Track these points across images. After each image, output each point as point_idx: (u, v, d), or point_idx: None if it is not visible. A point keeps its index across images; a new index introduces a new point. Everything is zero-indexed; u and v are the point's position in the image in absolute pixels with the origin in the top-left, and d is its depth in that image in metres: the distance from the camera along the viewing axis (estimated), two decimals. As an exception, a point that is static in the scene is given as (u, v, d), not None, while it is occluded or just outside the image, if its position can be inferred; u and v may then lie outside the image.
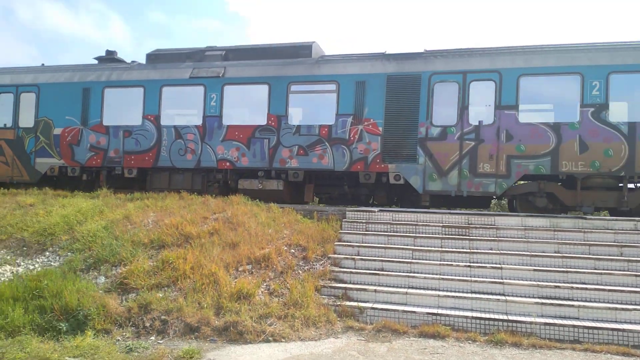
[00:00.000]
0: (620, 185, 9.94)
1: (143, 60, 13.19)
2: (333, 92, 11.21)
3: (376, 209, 9.44)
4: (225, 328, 6.38)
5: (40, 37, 65.28)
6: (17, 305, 6.85)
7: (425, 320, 6.67)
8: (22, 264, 8.05)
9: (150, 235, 8.36)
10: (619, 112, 9.85)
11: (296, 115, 11.73)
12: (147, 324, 6.64)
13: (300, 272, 7.65)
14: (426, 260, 7.90)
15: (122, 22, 69.84)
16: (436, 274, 7.55)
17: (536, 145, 10.01)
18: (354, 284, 7.53)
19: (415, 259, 7.95)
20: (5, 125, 13.21)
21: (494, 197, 10.97)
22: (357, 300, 7.15)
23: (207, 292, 6.94)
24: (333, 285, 7.45)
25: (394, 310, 6.83)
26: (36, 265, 7.96)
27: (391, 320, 6.71)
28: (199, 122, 11.90)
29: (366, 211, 9.33)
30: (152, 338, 6.42)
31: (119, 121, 12.37)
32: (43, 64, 13.85)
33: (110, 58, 13.63)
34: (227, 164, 11.67)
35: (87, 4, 70.40)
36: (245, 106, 12.23)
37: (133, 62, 13.37)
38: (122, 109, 12.43)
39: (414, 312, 6.77)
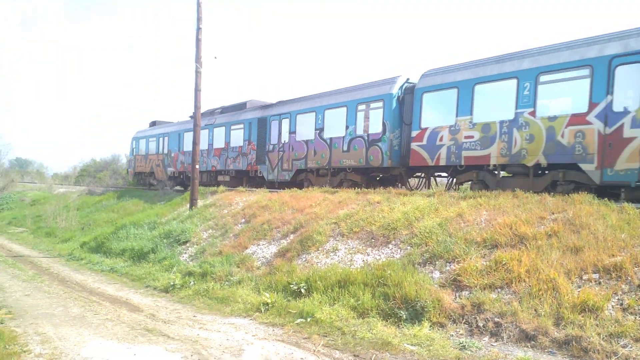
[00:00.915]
0: None
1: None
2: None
3: None
4: (566, 342, 5.59)
5: None
6: (367, 290, 7.78)
7: None
8: (370, 254, 9.13)
9: (483, 234, 8.16)
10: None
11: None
12: (480, 324, 6.46)
13: (671, 288, 6.02)
14: None
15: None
16: None
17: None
18: None
19: None
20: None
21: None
22: None
23: (544, 299, 6.26)
24: None
25: None
26: (381, 256, 8.87)
27: None
28: None
29: None
30: (485, 339, 6.20)
31: None
32: None
33: None
34: None
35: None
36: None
37: None
38: None
39: None
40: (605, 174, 9.54)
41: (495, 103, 11.54)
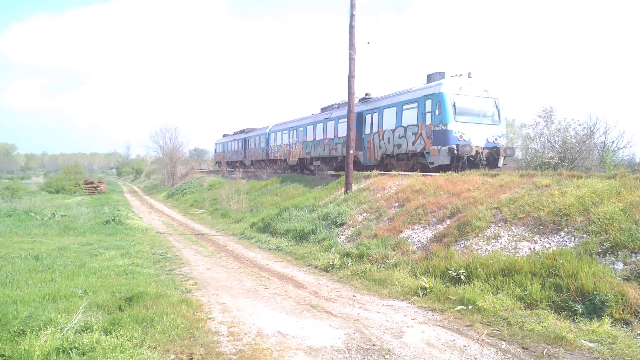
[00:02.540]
0: None
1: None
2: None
3: None
4: None
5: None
6: (535, 280, 7.23)
7: None
8: (538, 241, 8.43)
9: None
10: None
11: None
12: (678, 326, 5.58)
13: None
14: None
15: None
16: None
17: None
18: None
19: None
20: None
21: None
22: None
23: None
24: None
25: None
26: (551, 244, 8.14)
27: None
28: None
29: None
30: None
31: None
32: None
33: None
34: None
35: None
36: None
37: None
38: None
39: None
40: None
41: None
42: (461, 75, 16.66)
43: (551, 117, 20.88)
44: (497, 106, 16.54)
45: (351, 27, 15.60)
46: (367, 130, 20.29)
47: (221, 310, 7.50)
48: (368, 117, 20.32)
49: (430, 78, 17.40)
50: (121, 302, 7.10)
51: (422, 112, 16.62)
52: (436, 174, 14.69)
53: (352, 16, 15.57)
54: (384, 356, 5.54)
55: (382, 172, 17.79)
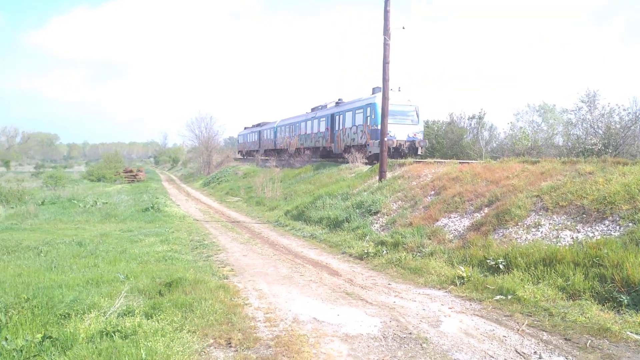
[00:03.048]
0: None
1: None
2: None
3: None
4: None
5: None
6: (578, 270, 7.01)
7: None
8: (581, 230, 8.16)
9: None
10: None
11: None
12: None
13: None
14: None
15: None
16: None
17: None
18: None
19: None
20: None
21: None
22: None
23: None
24: None
25: None
26: (595, 233, 7.87)
27: None
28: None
29: None
30: None
31: None
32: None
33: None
34: None
35: None
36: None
37: None
38: None
39: None
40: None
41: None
42: (392, 89, 19.63)
43: (594, 101, 20.05)
44: (416, 111, 22.33)
45: (386, 11, 15.35)
46: (337, 128, 26.41)
47: (257, 296, 7.60)
48: (337, 117, 26.43)
49: (373, 90, 23.13)
50: (161, 287, 7.28)
51: (366, 115, 22.75)
52: (473, 161, 14.42)
53: (386, 0, 15.31)
54: (421, 345, 5.49)
55: (417, 160, 17.59)
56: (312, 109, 31.60)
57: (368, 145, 22.17)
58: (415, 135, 22.04)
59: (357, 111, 23.82)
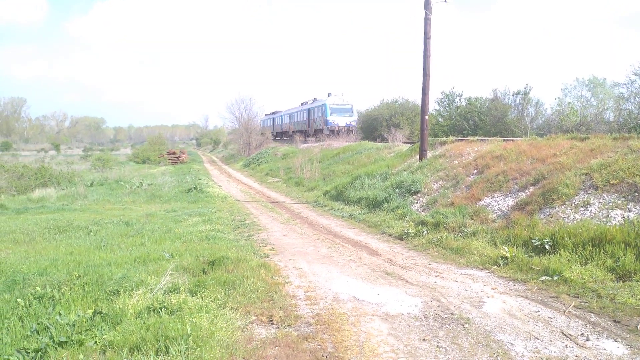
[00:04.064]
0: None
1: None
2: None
3: None
4: None
5: None
6: (629, 251, 6.73)
7: None
8: (633, 209, 7.79)
9: None
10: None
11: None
12: None
13: None
14: None
15: None
16: None
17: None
18: None
19: None
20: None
21: None
22: None
23: None
24: None
25: None
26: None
27: None
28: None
29: None
30: None
31: None
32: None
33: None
34: None
35: None
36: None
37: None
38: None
39: None
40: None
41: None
42: (337, 95, 37.62)
43: (649, 74, 18.93)
44: (352, 107, 37.19)
45: (426, -15, 15.01)
46: (311, 118, 40.49)
47: (298, 275, 7.69)
48: (311, 111, 40.50)
49: (328, 94, 38.00)
50: (204, 265, 7.47)
51: (322, 111, 37.23)
52: (518, 139, 13.95)
53: (426, -26, 14.98)
54: (463, 325, 5.43)
55: (459, 138, 17.18)
56: (302, 104, 44.99)
57: (323, 129, 36.72)
58: (351, 122, 36.43)
59: (318, 108, 38.43)
